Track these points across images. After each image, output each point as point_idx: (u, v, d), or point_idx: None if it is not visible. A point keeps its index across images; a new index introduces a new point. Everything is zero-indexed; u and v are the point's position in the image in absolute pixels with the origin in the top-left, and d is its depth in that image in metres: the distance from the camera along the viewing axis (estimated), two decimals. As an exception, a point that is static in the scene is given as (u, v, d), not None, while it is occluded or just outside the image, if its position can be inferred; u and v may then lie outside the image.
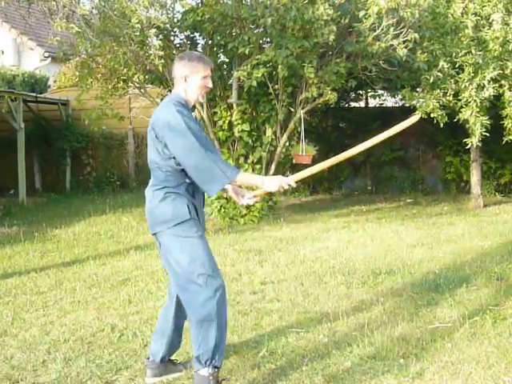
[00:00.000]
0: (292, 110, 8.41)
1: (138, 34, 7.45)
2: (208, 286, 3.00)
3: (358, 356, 3.52)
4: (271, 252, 6.46)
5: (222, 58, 8.49)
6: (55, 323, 4.30)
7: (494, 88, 7.95)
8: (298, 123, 8.31)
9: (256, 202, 4.09)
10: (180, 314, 3.27)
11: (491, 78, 7.90)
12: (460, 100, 8.15)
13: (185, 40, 8.36)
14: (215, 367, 3.04)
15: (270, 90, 8.12)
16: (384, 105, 12.36)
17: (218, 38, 7.84)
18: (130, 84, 8.66)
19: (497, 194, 10.78)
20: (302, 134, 7.99)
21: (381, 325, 3.99)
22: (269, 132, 8.48)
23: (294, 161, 8.39)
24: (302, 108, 8.20)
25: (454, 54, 7.99)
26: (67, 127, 12.61)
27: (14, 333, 4.13)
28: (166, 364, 3.34)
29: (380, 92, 11.35)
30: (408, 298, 4.61)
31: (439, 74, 7.87)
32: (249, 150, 8.58)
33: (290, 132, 8.47)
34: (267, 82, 7.93)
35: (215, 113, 8.54)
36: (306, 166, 3.49)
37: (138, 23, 7.04)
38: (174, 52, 7.88)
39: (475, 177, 9.63)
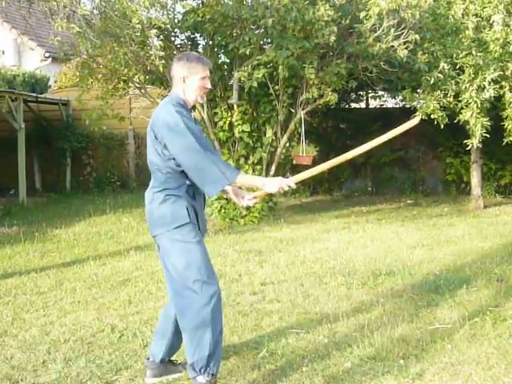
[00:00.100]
0: (292, 110, 8.41)
1: (138, 34, 7.45)
2: (203, 293, 2.98)
3: (358, 357, 3.52)
4: (271, 253, 6.46)
5: (223, 58, 8.48)
6: (55, 323, 4.30)
7: (494, 89, 7.95)
8: (298, 124, 8.31)
9: (256, 203, 4.09)
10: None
11: (492, 80, 7.90)
12: (460, 101, 8.15)
13: (185, 40, 8.36)
14: (212, 374, 3.03)
15: (271, 91, 8.12)
16: (384, 106, 12.37)
17: (219, 38, 7.84)
18: (130, 84, 8.66)
19: (497, 195, 10.78)
20: (303, 134, 7.99)
21: (381, 326, 3.99)
22: (269, 133, 8.49)
23: (294, 161, 8.40)
24: (303, 109, 8.20)
25: (454, 55, 8.00)
26: (67, 127, 12.62)
27: (14, 333, 4.13)
28: (166, 365, 3.34)
29: (380, 93, 11.36)
30: (408, 299, 4.61)
31: (440, 75, 7.87)
32: (249, 151, 8.59)
33: (291, 133, 8.47)
34: (268, 82, 7.93)
35: (216, 113, 8.54)
36: (306, 167, 3.49)
37: (138, 23, 7.04)
38: (175, 52, 7.87)
39: (475, 178, 9.63)
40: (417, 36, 7.35)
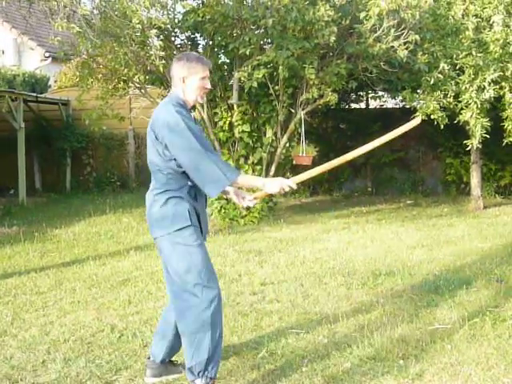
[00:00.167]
0: (292, 110, 8.42)
1: (138, 34, 7.45)
2: (203, 297, 2.97)
3: (358, 357, 3.52)
4: (271, 253, 6.46)
5: (223, 58, 8.49)
6: (55, 323, 4.30)
7: (494, 90, 7.95)
8: (298, 124, 8.31)
9: (256, 204, 4.09)
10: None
11: (492, 80, 7.91)
12: (460, 102, 8.15)
13: (185, 40, 8.36)
14: (210, 378, 3.02)
15: (271, 91, 8.12)
16: (384, 106, 12.36)
17: (219, 38, 7.85)
18: (130, 84, 8.66)
19: (497, 195, 10.78)
20: (303, 134, 7.99)
21: (380, 326, 3.99)
22: (269, 133, 8.49)
23: (294, 162, 8.40)
24: (303, 109, 8.21)
25: (454, 56, 8.00)
26: (67, 127, 12.62)
27: (14, 333, 4.13)
28: (166, 365, 3.34)
29: (380, 93, 11.36)
30: (408, 300, 4.62)
31: (440, 75, 7.88)
32: (249, 151, 8.59)
33: (291, 133, 8.47)
34: (268, 82, 7.93)
35: (216, 113, 8.54)
36: (306, 167, 3.49)
37: (138, 23, 7.04)
38: (175, 52, 7.87)
39: (475, 178, 9.63)
40: (417, 36, 7.35)
